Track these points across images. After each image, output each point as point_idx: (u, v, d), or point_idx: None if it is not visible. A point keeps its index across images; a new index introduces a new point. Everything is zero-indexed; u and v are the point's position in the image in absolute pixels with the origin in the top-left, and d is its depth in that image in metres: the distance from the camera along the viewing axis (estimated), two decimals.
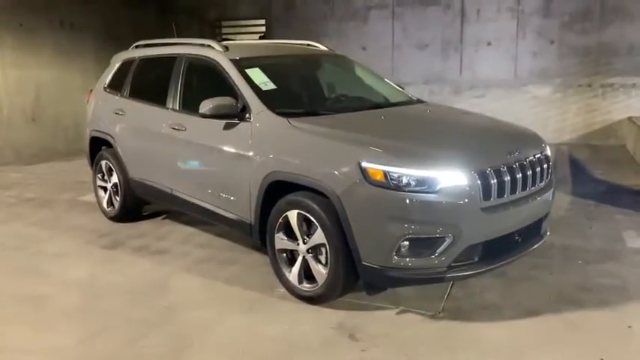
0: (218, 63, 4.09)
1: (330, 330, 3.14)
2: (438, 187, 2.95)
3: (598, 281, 3.69)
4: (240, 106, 3.76)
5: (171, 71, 4.51)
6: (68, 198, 6.27)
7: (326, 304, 3.40)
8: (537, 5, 9.21)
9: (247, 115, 3.72)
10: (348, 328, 3.14)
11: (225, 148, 3.84)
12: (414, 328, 3.15)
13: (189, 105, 4.27)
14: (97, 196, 5.49)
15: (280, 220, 3.49)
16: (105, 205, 5.34)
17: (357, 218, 3.05)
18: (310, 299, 3.42)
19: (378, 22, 10.14)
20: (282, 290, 3.62)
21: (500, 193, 3.12)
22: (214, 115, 3.73)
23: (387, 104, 4.24)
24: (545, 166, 3.50)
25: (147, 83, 4.95)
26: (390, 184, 2.97)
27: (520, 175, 3.23)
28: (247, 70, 3.98)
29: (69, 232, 5.03)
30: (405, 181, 2.96)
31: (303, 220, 3.37)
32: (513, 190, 3.19)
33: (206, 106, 3.70)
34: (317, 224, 3.25)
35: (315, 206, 3.24)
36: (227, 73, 3.99)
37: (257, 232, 3.73)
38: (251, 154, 3.64)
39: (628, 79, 8.91)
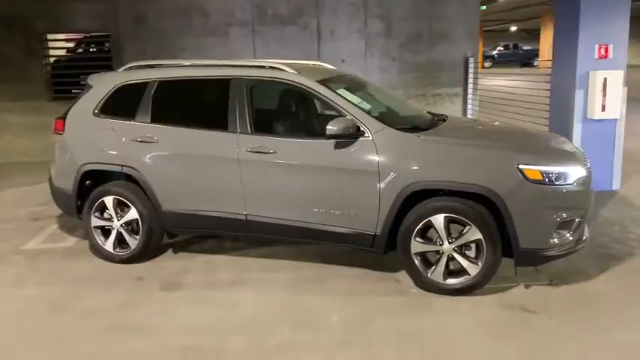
0: (304, 85, 4.16)
1: (504, 310, 3.69)
2: (573, 179, 3.77)
3: (600, 240, 4.94)
4: None
5: (225, 94, 4.30)
6: (10, 249, 5.13)
7: (466, 293, 3.89)
8: (380, 28, 10.67)
9: (366, 134, 3.94)
10: (515, 306, 3.73)
11: (343, 167, 3.97)
12: (553, 295, 3.90)
13: (274, 127, 4.21)
14: (92, 238, 4.72)
15: (420, 225, 3.86)
16: (110, 247, 4.64)
17: (519, 212, 3.66)
18: (458, 291, 3.88)
19: (239, 39, 10.34)
20: (416, 290, 3.99)
21: None
22: (342, 135, 3.87)
23: (441, 118, 4.80)
24: None
25: (187, 107, 4.53)
26: (546, 181, 3.67)
27: None
28: (338, 91, 4.17)
29: (87, 285, 4.26)
30: (554, 177, 3.70)
31: (448, 222, 3.81)
32: None
33: (334, 126, 3.82)
34: (470, 223, 3.74)
35: (469, 208, 3.74)
36: (321, 94, 4.12)
37: (383, 242, 3.99)
38: (381, 169, 3.88)
39: (451, 90, 11.02)
